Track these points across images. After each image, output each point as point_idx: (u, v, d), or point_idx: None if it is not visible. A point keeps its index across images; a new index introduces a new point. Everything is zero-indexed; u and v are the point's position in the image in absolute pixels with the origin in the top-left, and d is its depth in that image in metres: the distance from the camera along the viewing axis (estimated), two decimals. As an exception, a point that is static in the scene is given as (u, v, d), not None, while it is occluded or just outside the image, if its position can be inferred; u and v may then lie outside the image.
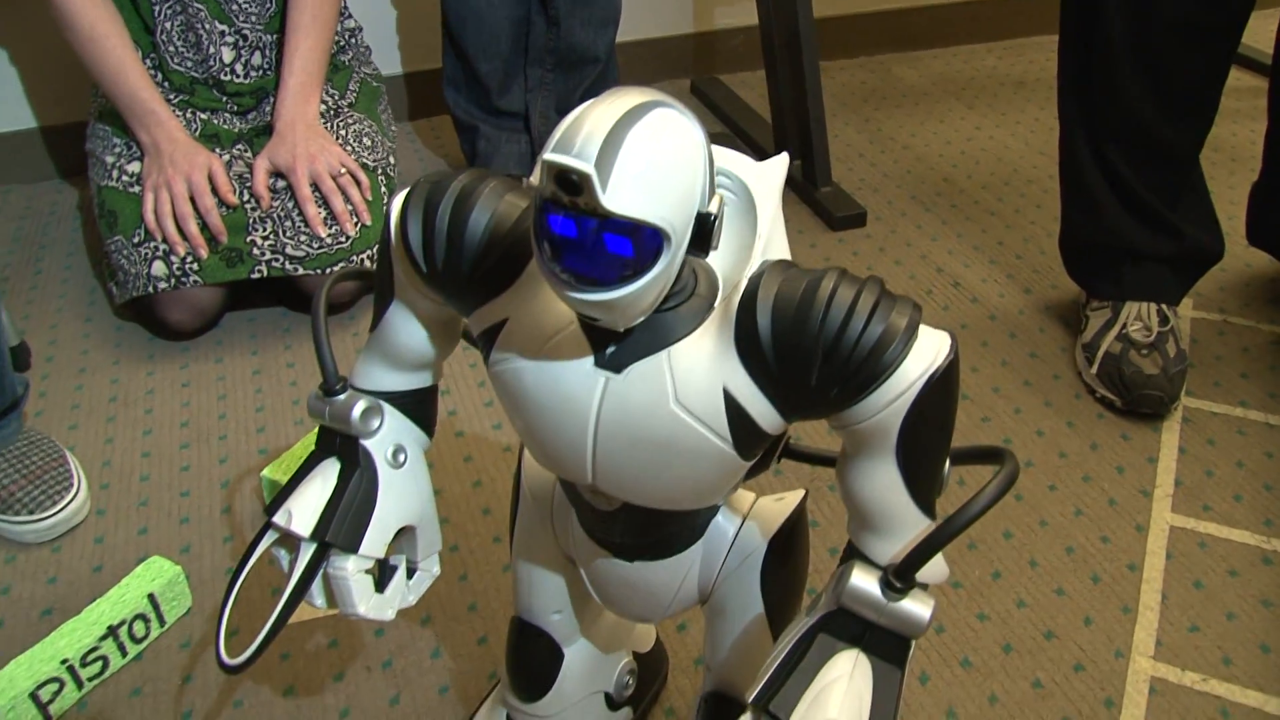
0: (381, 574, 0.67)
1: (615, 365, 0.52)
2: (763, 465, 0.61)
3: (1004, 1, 2.30)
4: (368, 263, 1.42)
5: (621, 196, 0.42)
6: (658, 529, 0.63)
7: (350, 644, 0.99)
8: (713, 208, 0.46)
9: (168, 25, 1.43)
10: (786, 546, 0.67)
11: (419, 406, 0.67)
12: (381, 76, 1.66)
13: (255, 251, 1.36)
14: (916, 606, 0.53)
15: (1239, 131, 1.90)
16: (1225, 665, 0.96)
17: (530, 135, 1.72)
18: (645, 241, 0.44)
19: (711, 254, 0.54)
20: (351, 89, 1.55)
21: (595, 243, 0.44)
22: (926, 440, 0.52)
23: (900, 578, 0.53)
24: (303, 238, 1.37)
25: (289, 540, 0.67)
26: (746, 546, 0.67)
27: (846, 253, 1.59)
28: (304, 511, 0.63)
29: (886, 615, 0.53)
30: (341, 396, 0.64)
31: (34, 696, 0.92)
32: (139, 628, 1.00)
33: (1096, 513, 1.12)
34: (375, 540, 0.64)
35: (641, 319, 0.50)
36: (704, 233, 0.46)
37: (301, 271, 1.37)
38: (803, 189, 1.72)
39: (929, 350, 0.49)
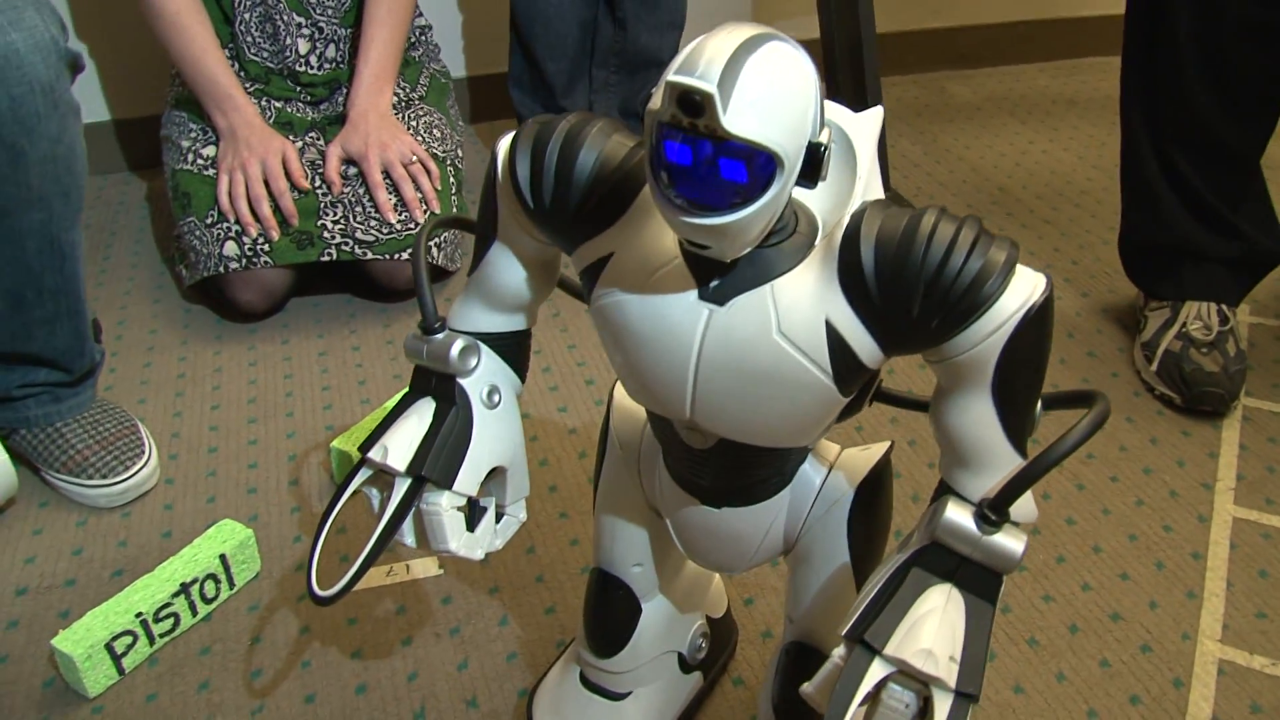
0: (471, 514, 0.68)
1: (719, 298, 0.53)
2: (855, 407, 0.62)
3: (1054, 23, 2.32)
4: (434, 251, 1.44)
5: (741, 119, 0.44)
6: (748, 472, 0.64)
7: (418, 611, 1.01)
8: (823, 138, 0.47)
9: (246, 16, 1.47)
10: (873, 494, 0.68)
11: (514, 349, 0.68)
12: (449, 74, 1.69)
13: (326, 235, 1.39)
14: (1009, 541, 0.54)
15: (1292, 150, 1.92)
16: (1294, 650, 0.96)
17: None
18: (759, 167, 0.45)
19: (811, 196, 0.56)
20: (422, 83, 1.58)
21: (710, 169, 0.45)
22: (1021, 375, 0.53)
23: (995, 510, 0.54)
24: (373, 223, 1.40)
25: (381, 479, 0.68)
26: (833, 494, 0.68)
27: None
28: (399, 447, 0.65)
29: (980, 549, 0.54)
30: (440, 335, 0.65)
31: (109, 647, 0.94)
32: (210, 588, 1.01)
33: (1158, 503, 1.13)
34: (469, 477, 0.65)
35: (747, 250, 0.51)
36: (814, 162, 0.47)
37: (370, 256, 1.40)
38: (858, 196, 1.73)
39: (1026, 286, 0.50)
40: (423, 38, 1.64)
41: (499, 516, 0.71)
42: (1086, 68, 2.34)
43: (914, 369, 1.35)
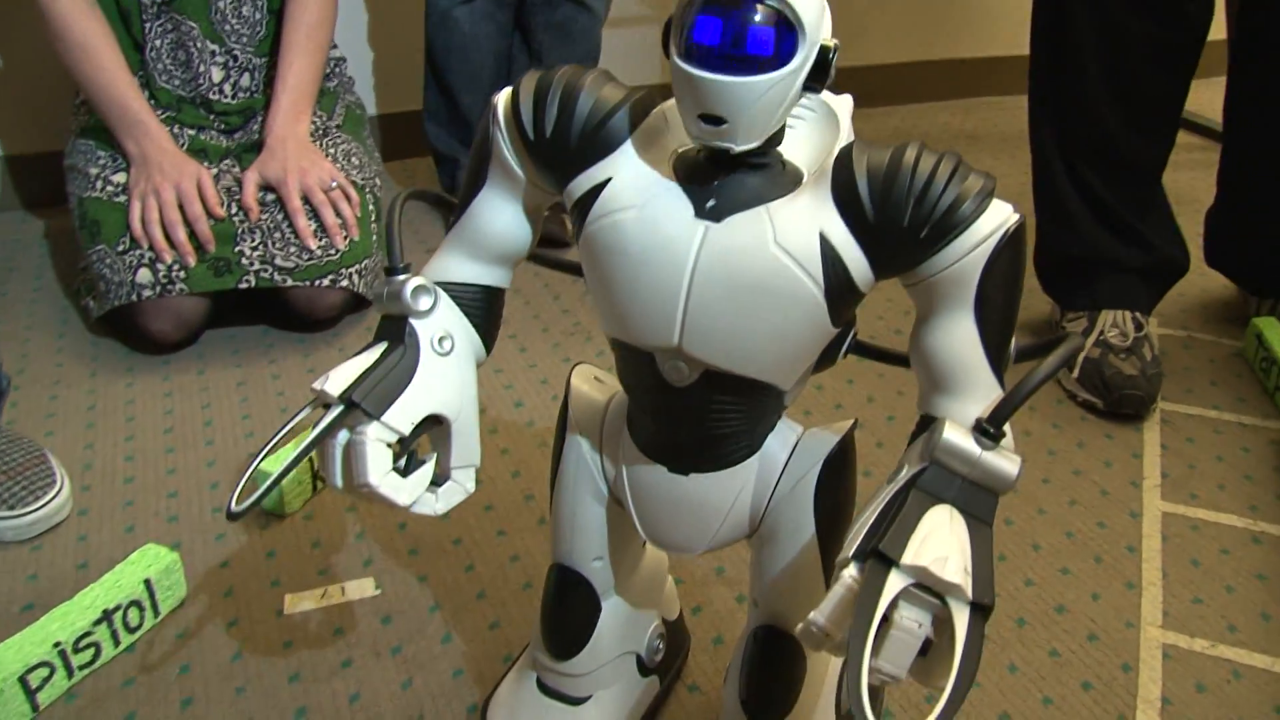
0: (408, 465, 0.66)
1: (716, 215, 0.56)
2: (830, 356, 0.63)
3: (951, 64, 2.42)
4: (355, 278, 1.41)
5: None
6: (724, 419, 0.63)
7: (356, 632, 0.97)
8: (832, 44, 0.52)
9: (158, 43, 1.44)
10: (839, 469, 0.68)
11: (485, 308, 0.68)
12: (364, 106, 1.68)
13: (244, 261, 1.35)
14: (1004, 461, 0.55)
15: (1179, 179, 2.01)
16: (1231, 632, 0.98)
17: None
18: (784, 40, 0.50)
19: (799, 150, 0.58)
20: (338, 112, 1.56)
21: (736, 47, 0.50)
22: (1000, 296, 0.56)
23: (994, 425, 0.55)
24: (292, 249, 1.37)
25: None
26: (800, 469, 0.68)
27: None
28: (340, 377, 0.63)
29: (979, 468, 0.55)
30: (400, 276, 0.64)
31: (23, 681, 0.88)
32: (133, 615, 0.96)
33: (1090, 502, 1.15)
34: (401, 413, 0.63)
35: (755, 144, 0.54)
36: (824, 64, 0.52)
37: (290, 283, 1.36)
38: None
39: (1002, 210, 0.54)
40: (337, 69, 1.62)
41: (443, 480, 0.68)
42: (983, 105, 2.44)
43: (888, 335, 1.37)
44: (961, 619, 0.51)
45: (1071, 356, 0.55)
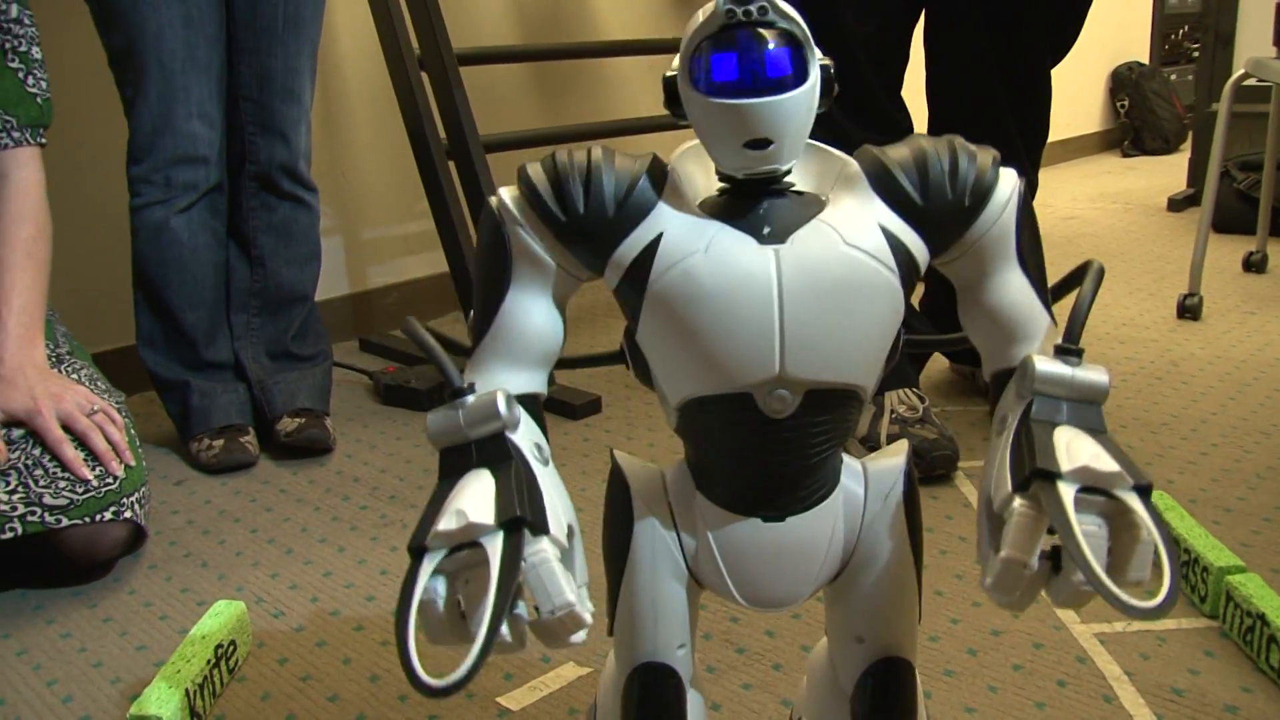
0: None
1: (778, 238, 0.58)
2: (892, 355, 0.65)
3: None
4: (137, 508, 1.23)
5: (780, 4, 0.56)
6: (823, 441, 0.64)
7: None
8: (828, 61, 0.58)
9: None
10: (913, 479, 0.71)
11: (536, 420, 0.63)
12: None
13: (3, 508, 1.14)
14: (1093, 373, 0.59)
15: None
16: (1135, 611, 1.10)
17: (247, 381, 1.61)
18: (800, 56, 0.55)
19: (801, 181, 0.63)
20: (61, 341, 1.38)
21: (757, 74, 0.55)
22: (1033, 244, 0.63)
23: (1074, 342, 0.60)
24: (62, 484, 1.17)
25: (451, 565, 0.56)
26: (882, 488, 0.69)
27: (595, 434, 1.64)
28: (476, 507, 0.55)
29: (1075, 387, 0.59)
30: (472, 397, 0.59)
31: None
32: None
33: (953, 548, 1.24)
34: (557, 524, 0.57)
35: (791, 165, 0.59)
36: (827, 79, 0.57)
37: (66, 523, 1.16)
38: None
39: (1011, 172, 0.62)
40: (41, 299, 1.44)
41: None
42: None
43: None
44: (1135, 501, 0.52)
45: (1100, 277, 0.63)
